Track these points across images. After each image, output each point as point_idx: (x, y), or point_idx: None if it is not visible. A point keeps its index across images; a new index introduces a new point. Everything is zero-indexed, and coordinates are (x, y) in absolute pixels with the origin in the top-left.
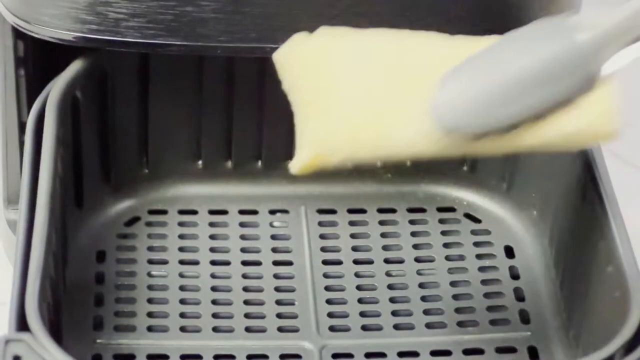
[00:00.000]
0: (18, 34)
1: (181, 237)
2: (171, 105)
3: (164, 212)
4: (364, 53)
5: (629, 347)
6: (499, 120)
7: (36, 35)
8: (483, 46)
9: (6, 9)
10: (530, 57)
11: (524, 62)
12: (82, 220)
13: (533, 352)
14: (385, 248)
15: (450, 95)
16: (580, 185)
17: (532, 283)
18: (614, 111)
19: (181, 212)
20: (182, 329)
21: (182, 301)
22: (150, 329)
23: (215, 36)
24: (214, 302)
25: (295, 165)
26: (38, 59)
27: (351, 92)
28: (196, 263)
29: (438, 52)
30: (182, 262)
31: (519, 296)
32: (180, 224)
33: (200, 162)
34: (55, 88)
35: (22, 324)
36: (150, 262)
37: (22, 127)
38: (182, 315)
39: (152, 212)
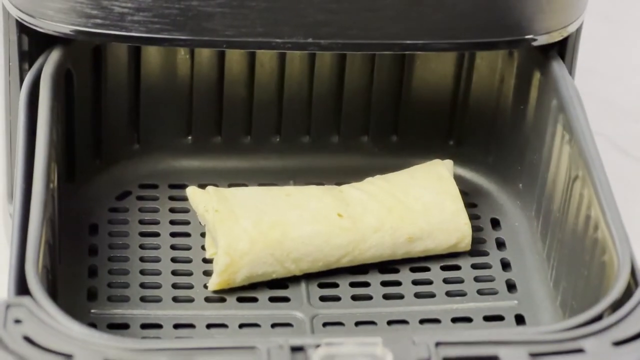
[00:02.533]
0: (22, 28)
1: (172, 210)
2: (162, 81)
3: (154, 186)
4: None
5: (616, 307)
6: None
7: (40, 30)
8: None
9: (11, 3)
10: None
11: None
12: (75, 195)
13: (520, 320)
14: None
15: None
16: (566, 157)
17: (519, 254)
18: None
19: (171, 186)
20: (175, 299)
21: (174, 272)
22: (143, 299)
23: (221, 30)
24: (206, 273)
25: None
26: (42, 53)
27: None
28: (187, 235)
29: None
30: (173, 235)
31: (506, 267)
32: (171, 198)
33: (190, 137)
34: (49, 61)
35: (21, 288)
36: (142, 234)
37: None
38: (175, 286)
39: (143, 186)
